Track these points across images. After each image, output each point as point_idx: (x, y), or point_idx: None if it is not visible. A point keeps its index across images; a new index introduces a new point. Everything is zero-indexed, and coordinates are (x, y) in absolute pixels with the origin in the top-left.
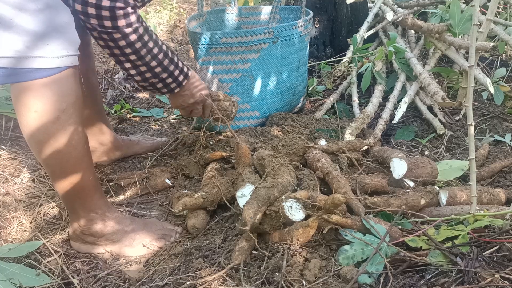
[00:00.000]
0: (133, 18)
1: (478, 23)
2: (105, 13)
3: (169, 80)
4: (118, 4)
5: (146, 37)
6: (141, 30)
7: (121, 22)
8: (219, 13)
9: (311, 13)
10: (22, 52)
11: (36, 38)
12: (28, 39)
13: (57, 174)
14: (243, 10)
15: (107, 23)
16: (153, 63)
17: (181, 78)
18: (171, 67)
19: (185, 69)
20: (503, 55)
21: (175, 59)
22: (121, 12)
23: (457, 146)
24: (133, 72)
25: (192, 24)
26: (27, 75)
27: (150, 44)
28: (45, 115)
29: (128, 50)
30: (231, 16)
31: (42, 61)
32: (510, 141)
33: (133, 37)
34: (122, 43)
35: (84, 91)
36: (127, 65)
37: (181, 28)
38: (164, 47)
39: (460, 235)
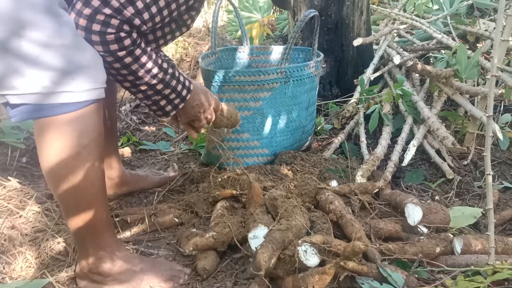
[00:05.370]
0: (127, 42)
1: (497, 74)
2: (95, 37)
3: (172, 96)
4: (109, 30)
5: (144, 59)
6: (137, 52)
7: (113, 47)
8: (231, 51)
9: (322, 55)
10: (48, 88)
11: (62, 74)
12: (54, 75)
13: (71, 210)
14: (255, 49)
15: (98, 48)
16: (153, 81)
17: (184, 92)
18: (173, 83)
19: (187, 83)
20: (506, 100)
21: (177, 74)
22: (112, 37)
23: (467, 192)
24: (134, 90)
25: (205, 62)
26: (51, 110)
27: (149, 65)
28: (66, 150)
29: (124, 72)
30: (243, 54)
31: (68, 95)
32: None
33: (128, 59)
34: (117, 65)
35: (108, 123)
36: (127, 84)
37: (187, 62)
38: (164, 65)
39: (479, 287)
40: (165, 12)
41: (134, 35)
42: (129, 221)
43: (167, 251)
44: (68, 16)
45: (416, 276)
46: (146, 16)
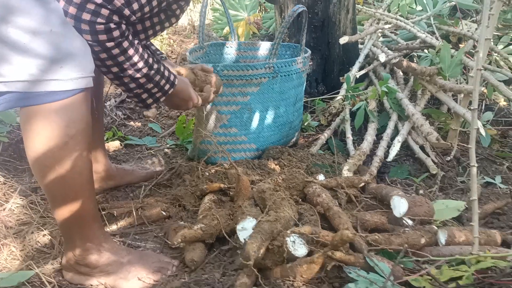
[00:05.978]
0: (116, 33)
1: (482, 68)
2: (85, 26)
3: (155, 90)
4: (99, 20)
5: (131, 51)
6: (125, 45)
7: (102, 37)
8: (219, 46)
9: (309, 51)
10: (36, 75)
11: (50, 62)
12: (42, 63)
13: (58, 200)
14: (242, 45)
15: (87, 37)
16: (137, 75)
17: (166, 87)
18: (157, 78)
19: (172, 78)
20: (487, 99)
21: (162, 68)
22: (101, 27)
23: (450, 186)
24: (116, 82)
25: (193, 56)
26: (39, 98)
27: (135, 58)
28: (53, 140)
29: (109, 63)
30: (231, 50)
31: (56, 84)
32: (500, 183)
33: (115, 51)
34: (103, 56)
35: (95, 113)
36: (110, 76)
37: (173, 59)
38: (150, 60)
39: (463, 275)
40: (155, 2)
41: (123, 26)
42: (115, 215)
43: (154, 244)
44: (56, 3)
45: (402, 266)
46: (135, 6)
